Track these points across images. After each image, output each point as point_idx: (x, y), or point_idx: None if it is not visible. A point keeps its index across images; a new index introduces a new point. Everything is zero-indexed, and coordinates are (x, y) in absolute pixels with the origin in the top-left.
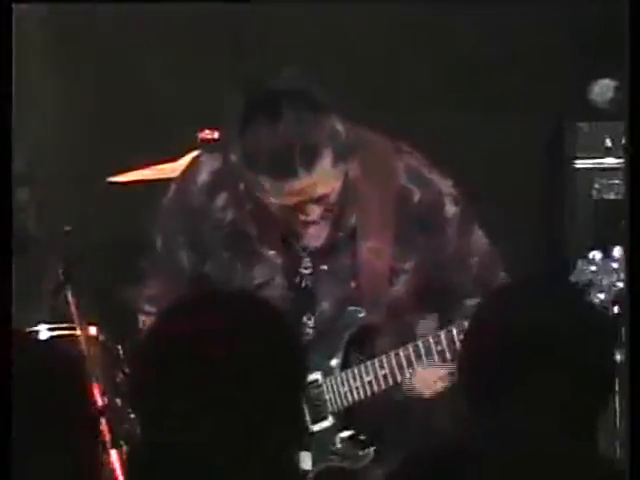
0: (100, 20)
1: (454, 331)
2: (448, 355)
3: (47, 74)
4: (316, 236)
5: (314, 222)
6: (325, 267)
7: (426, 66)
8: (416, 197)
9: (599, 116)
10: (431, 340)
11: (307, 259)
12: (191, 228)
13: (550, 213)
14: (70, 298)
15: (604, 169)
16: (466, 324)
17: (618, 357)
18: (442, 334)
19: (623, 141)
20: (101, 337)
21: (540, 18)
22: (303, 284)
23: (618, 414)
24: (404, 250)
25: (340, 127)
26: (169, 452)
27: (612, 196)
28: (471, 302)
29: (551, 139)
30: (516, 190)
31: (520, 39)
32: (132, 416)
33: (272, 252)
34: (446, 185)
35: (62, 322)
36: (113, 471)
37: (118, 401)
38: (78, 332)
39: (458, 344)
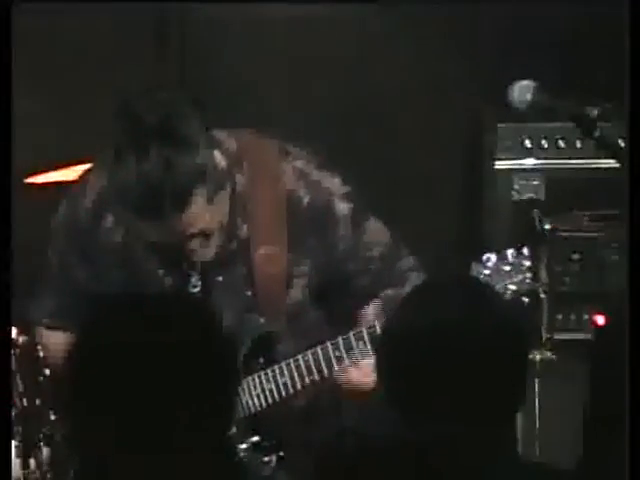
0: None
1: (351, 336)
2: (346, 361)
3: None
4: (205, 250)
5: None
6: (220, 278)
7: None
8: (305, 200)
9: (518, 117)
10: (329, 346)
11: (195, 276)
12: (82, 246)
13: (469, 213)
14: None
15: (524, 170)
16: (364, 330)
17: (538, 356)
18: (340, 340)
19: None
20: (21, 339)
21: (464, 18)
22: None
23: (537, 413)
24: (298, 254)
25: (217, 156)
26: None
27: (530, 196)
28: (381, 294)
29: (471, 139)
30: (435, 190)
31: (449, 38)
32: (53, 418)
33: (160, 271)
34: (335, 184)
35: None
36: (32, 472)
37: (38, 402)
38: None
39: (356, 349)
